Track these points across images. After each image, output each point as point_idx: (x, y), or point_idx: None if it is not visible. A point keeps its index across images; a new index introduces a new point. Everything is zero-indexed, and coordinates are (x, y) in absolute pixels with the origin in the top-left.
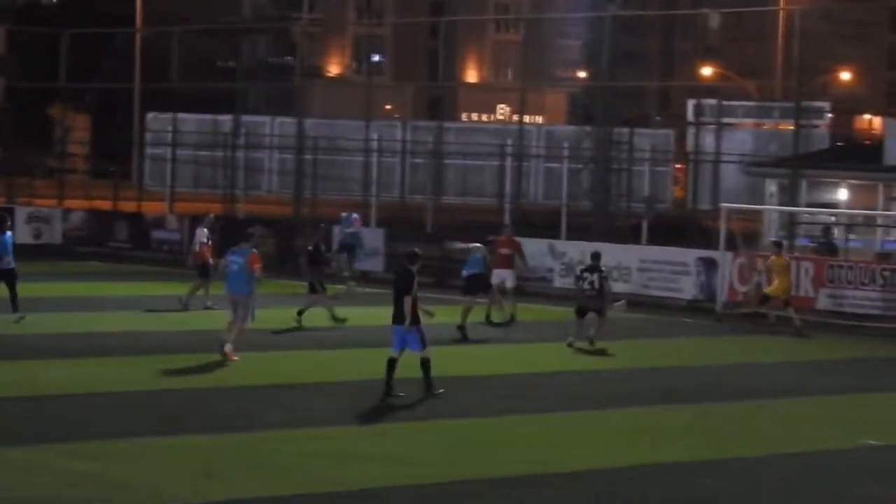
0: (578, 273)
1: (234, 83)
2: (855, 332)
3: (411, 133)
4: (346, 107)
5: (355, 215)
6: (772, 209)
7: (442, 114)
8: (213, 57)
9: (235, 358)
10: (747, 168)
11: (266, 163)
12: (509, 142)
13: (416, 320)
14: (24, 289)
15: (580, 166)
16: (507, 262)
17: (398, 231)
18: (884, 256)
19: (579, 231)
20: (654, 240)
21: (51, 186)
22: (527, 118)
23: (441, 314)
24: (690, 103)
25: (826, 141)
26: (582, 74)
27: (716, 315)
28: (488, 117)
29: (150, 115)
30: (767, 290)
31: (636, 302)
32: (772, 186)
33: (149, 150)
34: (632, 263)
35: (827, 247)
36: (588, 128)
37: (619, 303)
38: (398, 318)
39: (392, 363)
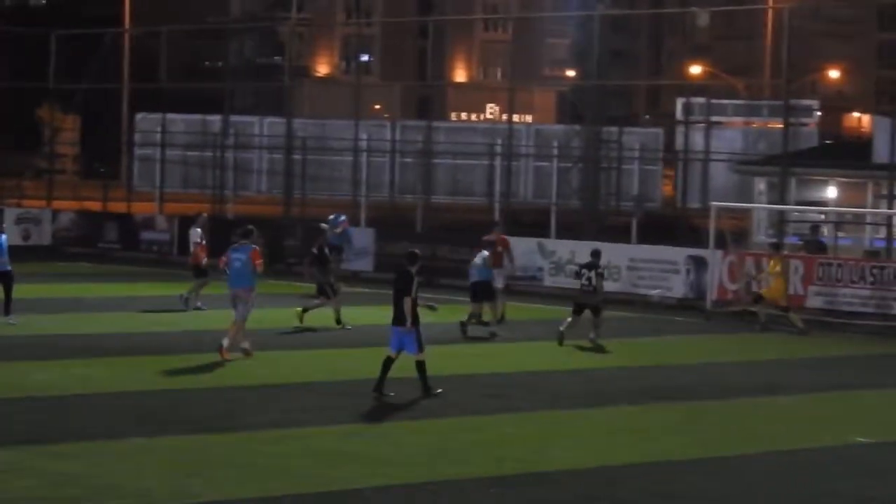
0: (577, 269)
1: (223, 83)
2: (845, 329)
3: (400, 133)
4: (335, 106)
5: (343, 217)
6: (761, 207)
7: (431, 113)
8: (201, 57)
9: (230, 357)
10: (736, 166)
11: (255, 163)
12: (499, 141)
13: (415, 321)
14: (15, 290)
15: (569, 165)
16: (497, 262)
17: (388, 231)
18: (873, 254)
19: (569, 230)
20: (644, 238)
21: (40, 187)
22: (516, 117)
23: (433, 314)
24: (679, 102)
25: (815, 139)
26: (571, 73)
27: (705, 313)
28: (477, 117)
29: (139, 116)
30: (763, 290)
31: (625, 301)
32: (761, 185)
33: (138, 151)
34: (621, 262)
35: (815, 245)
36: (577, 127)
37: (656, 291)
38: (398, 319)
39: (388, 362)
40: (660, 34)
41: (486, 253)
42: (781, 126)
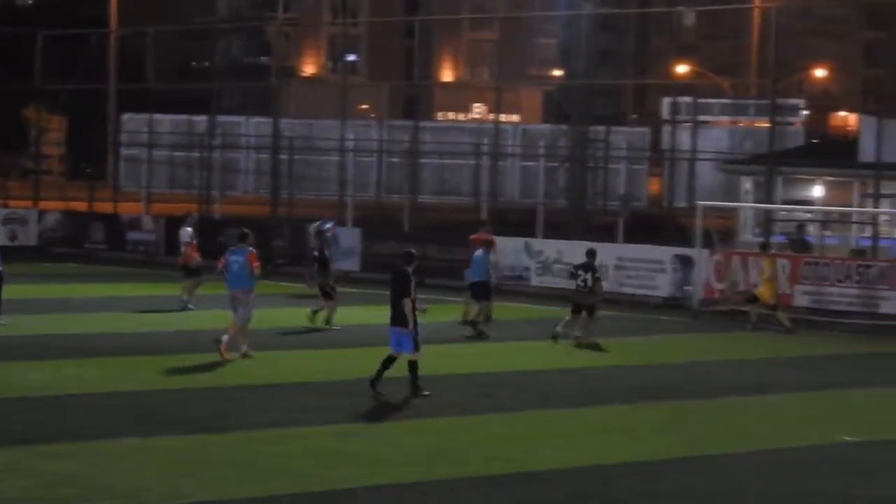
0: (572, 269)
1: (210, 83)
2: (831, 328)
3: (387, 132)
4: (321, 106)
5: (328, 224)
6: (747, 207)
7: (418, 113)
8: (188, 57)
9: (230, 356)
10: (723, 165)
11: (242, 163)
12: (485, 141)
13: (414, 321)
14: (3, 291)
15: (556, 165)
16: None
17: (375, 231)
18: (859, 253)
19: (556, 229)
20: (631, 237)
21: (26, 188)
22: (503, 117)
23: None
24: (666, 101)
25: (801, 138)
26: (558, 73)
27: (692, 312)
28: (464, 116)
29: (126, 116)
30: (758, 291)
31: (612, 300)
32: (747, 184)
33: (124, 151)
34: (608, 261)
35: (800, 244)
36: (564, 126)
37: (689, 287)
38: (396, 319)
39: (389, 361)
40: (646, 34)
41: (480, 251)
42: (768, 125)
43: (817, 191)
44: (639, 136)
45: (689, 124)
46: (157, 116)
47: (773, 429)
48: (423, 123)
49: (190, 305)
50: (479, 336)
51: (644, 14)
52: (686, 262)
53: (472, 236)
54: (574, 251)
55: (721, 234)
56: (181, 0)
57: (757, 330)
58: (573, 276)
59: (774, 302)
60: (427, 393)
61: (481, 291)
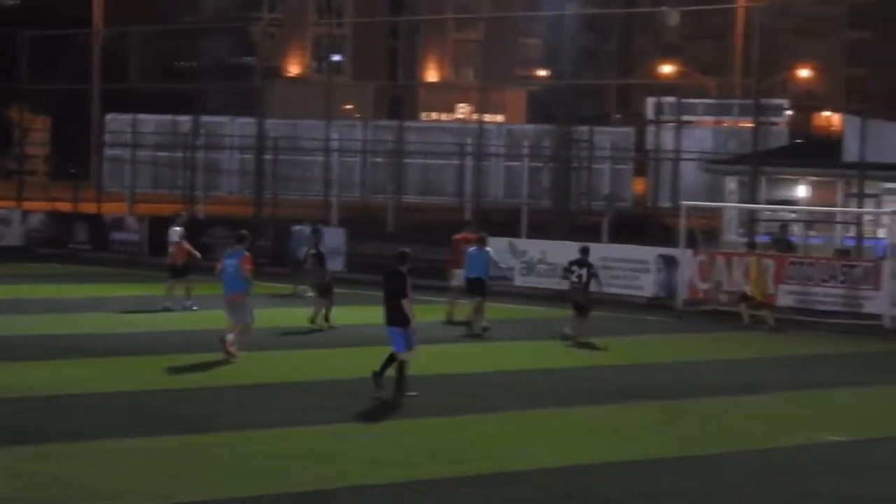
0: (567, 266)
1: (194, 83)
2: (816, 328)
3: (372, 132)
4: (306, 107)
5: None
6: (732, 207)
7: (402, 113)
8: (172, 57)
9: (236, 355)
10: (707, 165)
11: (226, 163)
12: (470, 141)
13: (407, 321)
14: None
15: (540, 165)
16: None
17: (359, 231)
18: (843, 253)
19: (540, 230)
20: (615, 237)
21: (10, 188)
22: (487, 117)
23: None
24: (650, 101)
25: (785, 138)
26: (542, 73)
27: (677, 312)
28: (448, 116)
29: (110, 116)
30: (748, 290)
31: (596, 300)
32: (731, 184)
33: (108, 151)
34: (592, 261)
35: (784, 243)
36: (548, 126)
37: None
38: (392, 320)
39: (391, 360)
40: (630, 34)
41: (474, 248)
42: (752, 125)
43: (801, 191)
44: (623, 136)
45: (673, 124)
46: (141, 116)
47: (763, 428)
48: (407, 123)
49: (168, 304)
50: (479, 335)
51: (628, 14)
52: (670, 263)
53: (456, 236)
54: (558, 251)
55: (705, 234)
56: (165, 0)
57: (750, 329)
58: (568, 272)
59: (762, 300)
60: (413, 393)
61: (477, 288)
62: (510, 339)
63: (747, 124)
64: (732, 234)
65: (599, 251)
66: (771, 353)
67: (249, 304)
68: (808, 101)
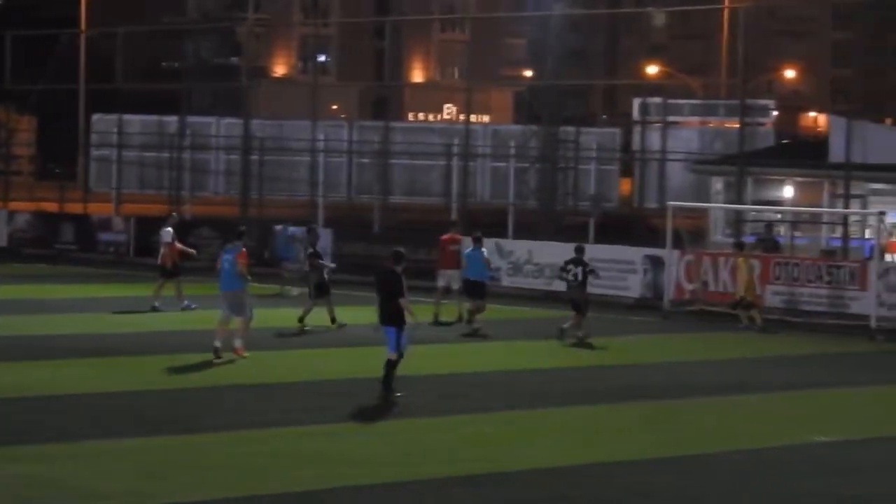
0: (562, 266)
1: (180, 84)
2: (802, 328)
3: (358, 133)
4: (292, 107)
5: (291, 229)
6: (718, 207)
7: (388, 114)
8: (158, 58)
9: (246, 355)
10: (693, 166)
11: (212, 163)
12: (456, 141)
13: (402, 321)
14: None
15: (527, 165)
16: (455, 262)
17: (345, 231)
18: (829, 253)
19: (526, 230)
20: (601, 238)
21: None
22: (473, 117)
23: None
24: (636, 102)
25: (771, 138)
26: (528, 73)
27: (663, 313)
28: (434, 117)
29: (96, 117)
30: (739, 292)
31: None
32: (717, 184)
33: (94, 152)
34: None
35: (770, 243)
36: (534, 127)
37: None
38: (387, 319)
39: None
40: (616, 34)
41: (472, 248)
42: (738, 126)
43: (787, 191)
44: (609, 137)
45: (659, 125)
46: (127, 117)
47: (754, 428)
48: (393, 124)
49: (156, 304)
50: (472, 334)
51: (614, 14)
52: (657, 263)
53: (443, 237)
54: (545, 252)
55: (692, 235)
56: (151, 1)
57: (743, 330)
58: (563, 271)
59: (753, 301)
60: (400, 394)
61: (476, 290)
62: (499, 339)
63: (733, 125)
64: (719, 235)
65: (586, 252)
66: (759, 354)
67: (247, 299)
68: (793, 102)
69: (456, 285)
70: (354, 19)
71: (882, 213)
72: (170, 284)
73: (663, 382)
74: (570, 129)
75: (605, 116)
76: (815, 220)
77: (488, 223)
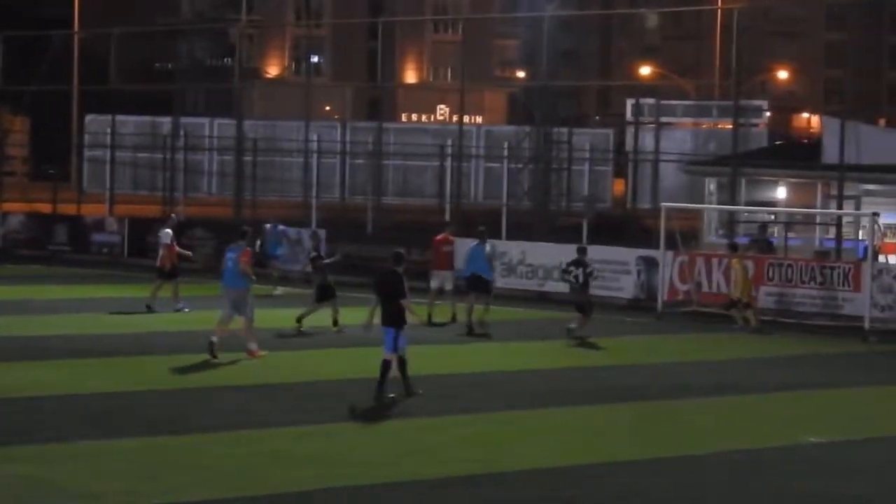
0: (564, 267)
1: (173, 85)
2: (796, 329)
3: (351, 134)
4: (285, 108)
5: (280, 227)
6: (711, 208)
7: (381, 114)
8: (151, 59)
9: (263, 353)
10: (686, 167)
11: (206, 164)
12: (449, 142)
13: (402, 322)
14: None
15: (520, 166)
16: (448, 263)
17: (339, 232)
18: (823, 254)
19: (520, 231)
20: (595, 239)
21: None
22: (466, 118)
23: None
24: (629, 103)
25: (765, 139)
26: (521, 74)
27: (657, 314)
28: (428, 118)
29: (89, 118)
30: (733, 293)
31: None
32: (711, 185)
33: (87, 153)
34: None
35: (763, 244)
36: (528, 128)
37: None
38: (388, 320)
39: (402, 363)
40: (609, 35)
41: (476, 243)
42: (731, 127)
43: (781, 192)
44: (602, 138)
45: (652, 126)
46: (121, 118)
47: (737, 430)
48: (386, 125)
49: (185, 308)
50: (484, 334)
51: (607, 16)
52: (650, 264)
53: (436, 237)
54: (538, 252)
55: (685, 236)
56: (144, 2)
57: (738, 331)
58: (566, 273)
59: (748, 300)
60: (392, 395)
61: (481, 285)
62: (495, 340)
63: (727, 126)
64: (712, 236)
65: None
66: (753, 355)
67: (249, 300)
68: (787, 103)
69: (449, 286)
70: (347, 20)
71: (876, 215)
72: (168, 286)
73: (659, 383)
74: (564, 129)
75: (598, 117)
76: (808, 221)
77: (481, 224)
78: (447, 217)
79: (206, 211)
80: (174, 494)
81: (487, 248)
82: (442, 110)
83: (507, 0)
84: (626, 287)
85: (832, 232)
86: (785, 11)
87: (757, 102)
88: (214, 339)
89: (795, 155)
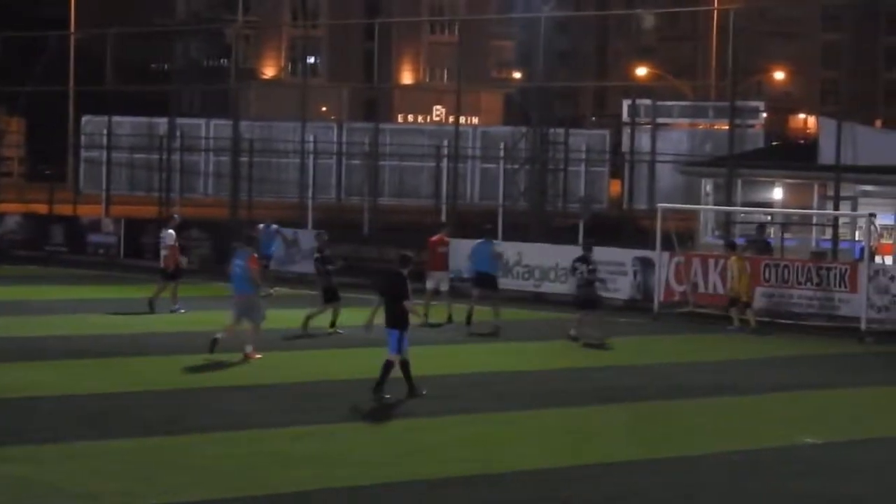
0: (571, 266)
1: (169, 86)
2: (792, 330)
3: (347, 134)
4: (281, 109)
5: (273, 226)
6: (708, 209)
7: (378, 115)
8: (147, 59)
9: (258, 356)
10: (683, 168)
11: (202, 165)
12: (445, 143)
13: (406, 324)
14: None
15: (516, 167)
16: (444, 264)
17: (335, 233)
18: (819, 255)
19: (516, 231)
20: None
21: None
22: (463, 119)
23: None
24: (625, 103)
25: (761, 140)
26: (517, 75)
27: (653, 314)
28: (424, 119)
29: (85, 118)
30: (732, 293)
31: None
32: (707, 186)
33: (84, 153)
34: (568, 264)
35: (761, 245)
36: (524, 128)
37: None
38: (391, 321)
39: (404, 364)
40: (605, 36)
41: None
42: (727, 127)
43: (777, 193)
44: (598, 139)
45: (648, 126)
46: (117, 118)
47: (733, 430)
48: (382, 125)
49: (181, 310)
50: (491, 333)
51: (603, 16)
52: (647, 265)
53: (432, 238)
54: (535, 253)
55: (681, 237)
56: (140, 2)
57: (735, 332)
58: (573, 270)
59: (747, 300)
60: (388, 396)
61: (487, 282)
62: (493, 341)
63: (723, 126)
64: (709, 237)
65: (576, 253)
66: (749, 355)
67: (259, 303)
68: (783, 104)
69: (445, 287)
70: (343, 21)
71: (872, 215)
72: (169, 287)
73: (655, 384)
74: (560, 130)
75: (594, 118)
76: (804, 222)
77: (477, 224)
78: (443, 218)
79: (203, 212)
80: (171, 495)
81: (498, 248)
82: (438, 111)
83: (503, 1)
84: (623, 288)
85: (829, 233)
86: (781, 12)
87: (753, 103)
88: (219, 335)
89: (792, 156)
